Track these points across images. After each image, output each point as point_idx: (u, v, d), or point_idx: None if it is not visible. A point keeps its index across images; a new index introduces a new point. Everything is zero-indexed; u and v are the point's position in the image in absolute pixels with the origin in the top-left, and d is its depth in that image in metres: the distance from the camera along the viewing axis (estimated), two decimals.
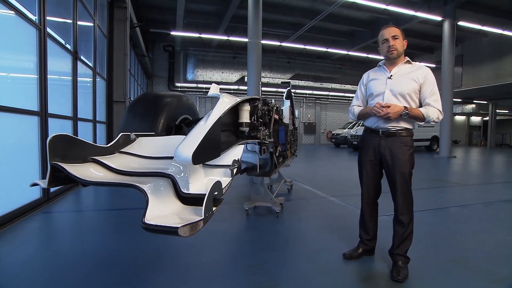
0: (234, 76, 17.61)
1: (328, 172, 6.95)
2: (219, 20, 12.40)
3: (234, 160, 1.18)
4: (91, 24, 5.47)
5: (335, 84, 19.55)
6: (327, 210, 3.36)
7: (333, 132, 17.67)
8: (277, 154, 2.41)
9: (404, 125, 1.74)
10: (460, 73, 14.98)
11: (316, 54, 17.31)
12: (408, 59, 1.83)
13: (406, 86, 1.73)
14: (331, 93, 20.07)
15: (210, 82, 17.26)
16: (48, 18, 3.45)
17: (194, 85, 17.29)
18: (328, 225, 2.80)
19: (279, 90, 18.59)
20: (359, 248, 2.00)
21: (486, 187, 5.19)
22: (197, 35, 13.05)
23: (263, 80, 17.50)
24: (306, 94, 19.70)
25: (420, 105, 1.79)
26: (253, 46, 8.93)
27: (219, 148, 1.19)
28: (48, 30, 3.48)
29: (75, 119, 4.46)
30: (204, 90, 17.59)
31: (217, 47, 16.03)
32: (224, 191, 1.08)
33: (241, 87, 17.14)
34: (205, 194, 0.93)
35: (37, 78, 3.33)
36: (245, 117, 1.51)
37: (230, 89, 17.70)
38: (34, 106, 3.29)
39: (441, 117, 1.72)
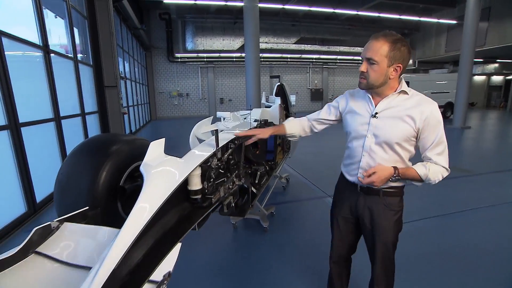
0: (236, 43, 16.62)
1: (333, 152, 6.39)
2: None
3: (166, 274, 0.92)
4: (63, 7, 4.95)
5: (344, 47, 18.25)
6: (321, 221, 3.06)
7: None
8: (257, 180, 2.14)
9: (391, 182, 1.29)
10: (484, 30, 13.53)
11: (322, 15, 15.91)
12: (403, 86, 1.27)
13: (396, 132, 1.24)
14: (339, 57, 18.86)
15: (211, 51, 16.55)
16: None
17: (195, 54, 16.51)
18: (316, 248, 2.60)
19: (284, 56, 17.65)
20: None
21: (505, 177, 4.58)
22: (192, 1, 12.06)
23: (267, 46, 16.55)
24: (312, 59, 18.59)
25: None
26: (249, 10, 8.18)
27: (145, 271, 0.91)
28: None
29: (57, 119, 4.23)
30: (205, 59, 16.84)
31: (215, 13, 14.91)
32: None
33: (244, 55, 16.26)
34: None
35: None
36: (194, 183, 1.23)
37: (233, 57, 16.88)
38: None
39: (445, 174, 1.26)
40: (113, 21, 6.95)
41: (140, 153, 1.66)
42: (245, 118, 2.97)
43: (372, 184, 1.22)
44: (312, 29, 16.95)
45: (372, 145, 1.31)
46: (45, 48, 4.02)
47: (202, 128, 2.79)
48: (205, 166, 1.26)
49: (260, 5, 9.09)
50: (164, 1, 12.00)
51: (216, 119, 2.94)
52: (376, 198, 1.35)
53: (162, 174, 1.11)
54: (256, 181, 2.12)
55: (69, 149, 4.44)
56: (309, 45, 17.53)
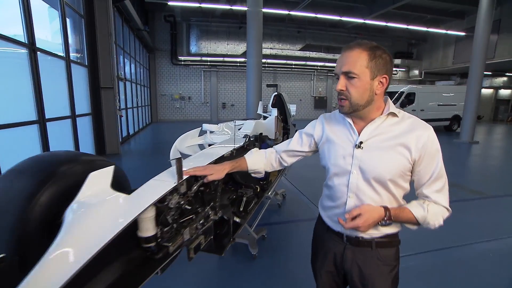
0: (240, 48, 16.43)
1: None
2: None
3: None
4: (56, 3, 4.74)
5: None
6: None
7: None
8: (242, 207, 1.84)
9: (385, 229, 1.04)
10: (494, 42, 13.20)
11: (329, 22, 15.72)
12: (391, 107, 1.01)
13: (387, 166, 0.97)
14: None
15: (215, 55, 16.38)
16: None
17: (198, 58, 16.34)
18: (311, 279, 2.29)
19: (289, 62, 17.44)
20: None
21: None
22: (197, 4, 11.92)
23: (271, 52, 16.39)
24: (317, 66, 18.35)
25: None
26: (253, 15, 7.96)
27: None
28: None
29: (42, 121, 3.98)
30: (209, 63, 16.67)
31: (221, 16, 14.76)
32: None
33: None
34: None
35: None
36: (145, 229, 0.94)
37: (237, 62, 16.69)
38: None
39: (446, 216, 1.00)
40: (112, 21, 6.76)
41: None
42: (239, 129, 2.70)
43: (357, 229, 0.95)
44: (317, 36, 16.76)
45: (359, 183, 1.03)
46: (31, 46, 3.79)
47: (187, 141, 2.52)
48: (162, 205, 0.97)
49: (266, 10, 8.90)
50: (169, 4, 11.88)
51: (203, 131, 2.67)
52: (367, 250, 1.05)
53: (96, 217, 0.83)
54: (241, 209, 1.82)
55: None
56: (314, 52, 17.32)
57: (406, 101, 11.49)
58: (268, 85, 4.50)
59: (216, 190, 1.36)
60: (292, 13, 13.08)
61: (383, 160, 0.98)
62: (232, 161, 1.23)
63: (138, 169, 5.50)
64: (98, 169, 1.39)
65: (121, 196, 0.93)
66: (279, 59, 17.02)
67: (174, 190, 1.01)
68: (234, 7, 12.37)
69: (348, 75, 0.95)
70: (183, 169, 1.09)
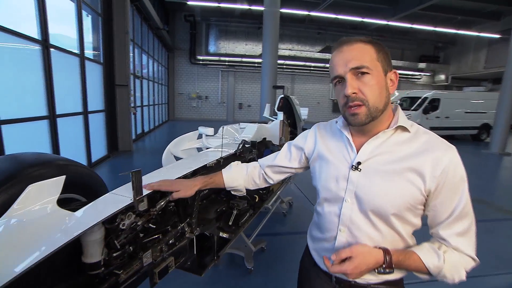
0: (258, 48, 16.28)
1: None
2: None
3: None
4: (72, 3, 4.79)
5: None
6: None
7: None
8: (231, 221, 1.67)
9: (385, 276, 0.81)
10: None
11: (350, 24, 15.25)
12: (400, 118, 0.81)
13: (392, 197, 0.76)
14: None
15: (234, 55, 16.35)
16: None
17: (217, 58, 16.38)
18: None
19: (307, 64, 17.10)
20: None
21: None
22: (215, 4, 11.92)
23: (290, 53, 16.13)
24: None
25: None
26: (269, 15, 7.80)
27: None
28: None
29: (52, 117, 4.01)
30: (227, 63, 16.66)
31: (240, 17, 14.71)
32: None
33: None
34: None
35: None
36: (89, 254, 0.80)
37: (255, 62, 16.57)
38: None
39: (471, 267, 0.77)
40: (130, 19, 6.82)
41: (68, 183, 1.26)
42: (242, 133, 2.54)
43: (346, 275, 0.75)
44: (338, 38, 16.17)
45: (353, 215, 0.82)
46: (44, 42, 3.82)
47: (184, 144, 2.38)
48: (111, 226, 0.83)
49: (284, 10, 8.72)
50: (188, 3, 11.95)
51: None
52: None
53: (24, 235, 0.70)
54: (231, 223, 1.65)
55: (63, 149, 4.22)
56: None
57: (430, 107, 10.86)
58: (274, 87, 4.32)
59: (193, 205, 1.21)
60: (312, 13, 12.79)
61: (385, 188, 0.77)
62: (205, 176, 1.06)
63: (148, 167, 5.48)
64: (72, 174, 1.29)
65: (62, 212, 0.80)
66: (297, 60, 16.74)
67: (129, 208, 0.87)
68: (253, 7, 12.26)
69: (359, 72, 0.75)
70: (148, 182, 0.95)
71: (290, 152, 1.04)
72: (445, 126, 10.85)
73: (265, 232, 2.96)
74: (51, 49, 3.96)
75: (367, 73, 0.75)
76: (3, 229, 0.72)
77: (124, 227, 0.85)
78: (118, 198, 0.88)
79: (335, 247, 0.85)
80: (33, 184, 0.83)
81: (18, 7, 3.69)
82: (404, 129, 0.80)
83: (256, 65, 16.78)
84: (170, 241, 1.07)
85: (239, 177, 1.08)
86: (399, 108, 0.84)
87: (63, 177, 0.91)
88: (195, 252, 1.34)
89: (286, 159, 1.04)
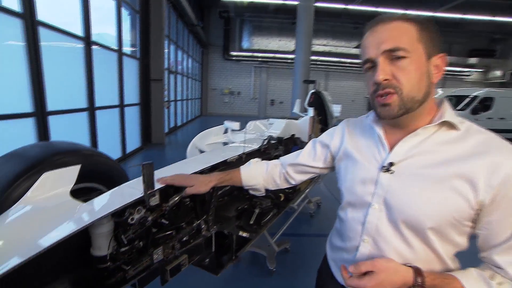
0: (292, 44, 15.95)
1: None
2: None
3: None
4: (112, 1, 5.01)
5: None
6: None
7: None
8: (252, 220, 1.60)
9: None
10: None
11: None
12: (447, 112, 0.66)
13: (429, 207, 0.62)
14: None
15: (267, 51, 16.24)
16: None
17: (250, 54, 16.39)
18: None
19: (342, 60, 16.47)
20: None
21: None
22: None
23: (324, 49, 15.65)
24: None
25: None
26: (303, 10, 7.58)
27: None
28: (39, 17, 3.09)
29: (91, 109, 4.24)
30: (260, 59, 16.61)
31: (273, 12, 14.51)
32: None
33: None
34: None
35: (28, 73, 3.02)
36: (97, 247, 0.77)
37: (288, 59, 16.31)
38: (27, 107, 3.05)
39: None
40: (166, 16, 7.01)
41: (91, 172, 1.27)
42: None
43: None
44: None
45: (381, 225, 0.69)
46: (86, 39, 4.03)
47: (209, 138, 2.35)
48: (120, 220, 0.79)
49: (320, 4, 8.42)
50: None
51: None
52: None
53: (33, 222, 0.68)
54: (252, 222, 1.58)
55: (100, 140, 4.45)
56: None
57: (480, 107, 9.83)
58: (305, 81, 4.13)
59: (210, 202, 1.15)
60: (350, 7, 12.22)
61: (423, 197, 0.63)
62: (222, 172, 0.99)
63: (178, 160, 5.62)
64: (95, 164, 1.30)
65: (73, 202, 0.78)
66: (332, 56, 16.18)
67: (139, 203, 0.82)
68: (287, 2, 12.03)
69: (394, 55, 0.62)
70: (163, 176, 0.90)
71: (315, 149, 0.93)
72: (499, 129, 9.76)
73: (290, 232, 2.86)
74: (93, 46, 4.17)
75: (403, 57, 0.62)
76: (14, 216, 0.72)
77: (133, 222, 0.81)
78: (130, 191, 0.84)
79: (356, 259, 0.74)
80: (48, 172, 0.82)
81: (65, 7, 3.92)
82: (450, 126, 0.66)
83: (289, 61, 16.49)
84: (184, 238, 1.02)
85: (258, 175, 0.99)
86: (446, 101, 0.70)
87: (78, 166, 0.90)
88: (213, 250, 1.29)
89: (310, 157, 0.94)
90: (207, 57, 16.89)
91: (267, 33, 16.00)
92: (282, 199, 2.06)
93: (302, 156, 0.95)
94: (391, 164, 0.69)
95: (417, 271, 0.62)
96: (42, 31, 3.12)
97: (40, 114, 3.16)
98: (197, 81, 15.08)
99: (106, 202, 0.80)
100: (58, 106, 3.46)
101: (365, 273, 0.63)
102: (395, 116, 0.65)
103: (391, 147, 0.71)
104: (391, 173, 0.68)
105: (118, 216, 0.78)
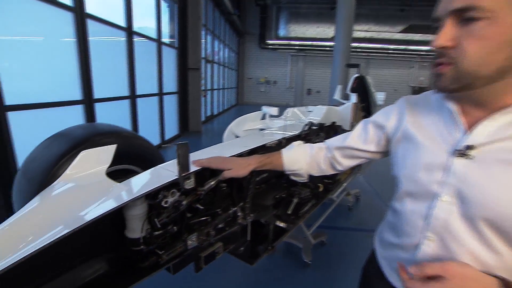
0: (331, 31, 15.22)
1: None
2: None
3: None
4: None
5: None
6: None
7: None
8: (290, 210, 1.50)
9: None
10: None
11: None
12: None
13: None
14: None
15: (304, 39, 15.73)
16: None
17: (286, 42, 16.01)
18: None
19: (385, 46, 15.39)
20: None
21: None
22: None
23: (366, 35, 14.74)
24: (421, 51, 15.62)
25: None
26: None
27: None
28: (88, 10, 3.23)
29: (132, 97, 4.42)
30: (297, 47, 16.16)
31: None
32: None
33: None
34: None
35: (78, 64, 3.19)
36: (131, 229, 0.74)
37: (326, 46, 15.65)
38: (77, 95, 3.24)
39: None
40: (202, 5, 7.03)
41: (129, 154, 1.27)
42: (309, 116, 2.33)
43: None
44: (425, 14, 14.10)
45: (453, 221, 0.57)
46: (128, 29, 4.17)
47: (246, 124, 2.29)
48: (154, 202, 0.75)
49: None
50: None
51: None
52: None
53: (67, 200, 0.67)
54: (290, 212, 1.49)
55: (141, 126, 4.64)
56: (419, 35, 14.75)
57: None
58: (347, 65, 3.86)
59: (248, 188, 1.08)
60: None
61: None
62: (262, 155, 0.91)
63: None
64: (135, 147, 1.31)
65: (108, 182, 0.75)
66: (374, 43, 15.18)
67: (173, 185, 0.77)
68: None
69: (466, 16, 0.49)
70: (198, 158, 0.85)
71: (367, 131, 0.80)
72: None
73: (327, 224, 2.73)
74: (134, 37, 4.32)
75: (477, 18, 0.48)
76: (52, 193, 0.71)
77: (166, 205, 0.76)
78: (164, 172, 0.80)
79: (417, 259, 0.62)
80: (86, 150, 0.81)
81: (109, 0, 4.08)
82: None
83: (327, 49, 15.82)
84: (220, 225, 0.97)
85: (301, 159, 0.89)
86: None
87: (114, 146, 0.88)
88: (248, 239, 1.23)
89: (360, 139, 0.81)
90: (243, 46, 16.85)
91: (305, 20, 15.44)
92: (321, 189, 1.95)
93: (351, 138, 0.83)
94: (469, 147, 0.55)
95: (506, 284, 0.49)
96: (89, 23, 3.27)
97: (88, 101, 3.35)
98: (233, 70, 15.15)
99: (139, 183, 0.76)
100: (103, 94, 3.63)
101: (430, 277, 0.51)
102: (447, 90, 0.55)
103: (469, 127, 0.57)
104: (469, 158, 0.55)
105: (152, 198, 0.74)
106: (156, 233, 0.76)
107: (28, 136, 2.40)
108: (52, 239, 0.53)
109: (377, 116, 0.80)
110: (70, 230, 0.56)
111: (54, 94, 2.91)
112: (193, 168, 0.81)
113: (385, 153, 0.81)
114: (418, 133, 0.66)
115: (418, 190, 0.63)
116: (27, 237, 0.55)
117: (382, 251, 0.77)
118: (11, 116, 2.37)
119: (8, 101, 2.32)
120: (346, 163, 0.86)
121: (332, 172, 0.91)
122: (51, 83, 2.93)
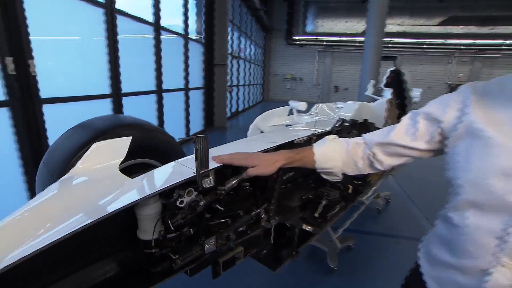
0: (361, 25, 14.62)
1: None
2: None
3: None
4: None
5: None
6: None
7: None
8: (317, 213, 1.39)
9: None
10: None
11: None
12: None
13: None
14: (506, 42, 13.95)
15: (332, 34, 15.23)
16: None
17: (314, 37, 15.61)
18: None
19: (419, 41, 14.49)
20: None
21: None
22: None
23: (399, 29, 13.97)
24: (461, 45, 14.52)
25: None
26: None
27: None
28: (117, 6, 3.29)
29: (159, 92, 4.48)
30: (324, 43, 15.71)
31: None
32: None
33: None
34: None
35: (107, 57, 3.26)
36: (143, 229, 0.67)
37: (355, 41, 15.06)
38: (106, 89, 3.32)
39: None
40: (229, 0, 6.98)
41: (150, 148, 1.23)
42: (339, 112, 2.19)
43: None
44: (468, 4, 13.05)
45: None
46: (156, 25, 4.21)
47: (272, 119, 2.19)
48: (168, 202, 0.68)
49: None
50: None
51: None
52: None
53: (77, 194, 0.61)
54: (317, 214, 1.38)
55: (166, 120, 4.69)
56: (459, 27, 13.71)
57: None
58: (383, 58, 3.61)
59: (273, 188, 0.98)
60: None
61: None
62: (291, 150, 0.80)
63: None
64: (158, 140, 1.27)
65: (121, 178, 0.69)
66: (407, 37, 14.36)
67: (190, 183, 0.69)
68: None
69: None
70: (216, 154, 0.76)
71: (416, 125, 0.67)
72: None
73: (354, 228, 2.57)
74: (162, 32, 4.35)
75: None
76: (60, 188, 0.66)
77: (182, 205, 0.69)
78: (181, 169, 0.72)
79: (483, 285, 0.50)
80: (98, 142, 0.76)
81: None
82: None
83: (356, 44, 15.22)
84: (241, 229, 0.89)
85: (336, 156, 0.77)
86: None
87: (129, 138, 0.82)
88: (271, 242, 1.14)
89: (407, 135, 0.69)
90: (270, 42, 16.68)
91: (333, 15, 14.93)
92: (350, 191, 1.81)
93: (396, 133, 0.70)
94: None
95: None
96: (118, 19, 3.33)
97: (116, 95, 3.42)
98: (259, 67, 15.07)
99: (153, 180, 0.70)
100: (131, 88, 3.70)
101: None
102: None
103: None
104: None
105: (166, 197, 0.67)
106: (170, 235, 0.69)
107: (60, 128, 2.48)
108: (52, 239, 0.48)
109: (429, 107, 0.67)
110: (72, 230, 0.50)
111: (85, 88, 2.99)
112: (213, 164, 0.73)
113: (438, 152, 0.68)
114: (491, 129, 0.53)
115: (488, 201, 0.50)
116: (27, 237, 0.49)
117: (429, 269, 0.65)
118: (46, 109, 2.46)
119: (44, 95, 2.41)
120: (388, 161, 0.74)
121: (370, 171, 0.78)
122: (82, 78, 3.02)
